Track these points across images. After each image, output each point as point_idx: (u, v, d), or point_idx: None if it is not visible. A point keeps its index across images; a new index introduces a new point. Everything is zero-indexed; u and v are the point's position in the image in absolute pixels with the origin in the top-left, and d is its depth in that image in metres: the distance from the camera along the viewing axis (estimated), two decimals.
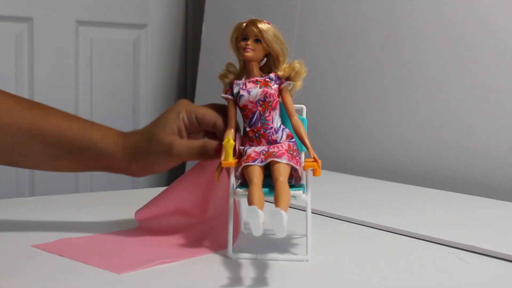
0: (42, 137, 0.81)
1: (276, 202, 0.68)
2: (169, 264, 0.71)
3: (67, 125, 0.83)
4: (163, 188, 0.86)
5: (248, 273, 0.69)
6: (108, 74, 2.01)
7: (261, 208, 0.66)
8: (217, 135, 0.81)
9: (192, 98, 2.08)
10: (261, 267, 0.70)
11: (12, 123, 0.81)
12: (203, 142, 0.79)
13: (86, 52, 1.96)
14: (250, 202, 0.67)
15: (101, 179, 1.96)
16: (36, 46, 1.86)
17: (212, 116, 0.80)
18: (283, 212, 0.63)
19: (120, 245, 0.78)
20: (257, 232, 0.63)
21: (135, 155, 0.81)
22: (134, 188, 2.08)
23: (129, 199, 1.10)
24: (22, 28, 1.85)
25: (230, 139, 0.73)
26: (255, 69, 0.77)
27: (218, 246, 0.76)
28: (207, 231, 0.82)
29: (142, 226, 0.86)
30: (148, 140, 0.80)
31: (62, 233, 0.83)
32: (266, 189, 0.72)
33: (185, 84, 2.17)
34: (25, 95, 1.84)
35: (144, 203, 0.84)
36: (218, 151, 0.77)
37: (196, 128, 0.81)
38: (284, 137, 0.76)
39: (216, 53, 1.90)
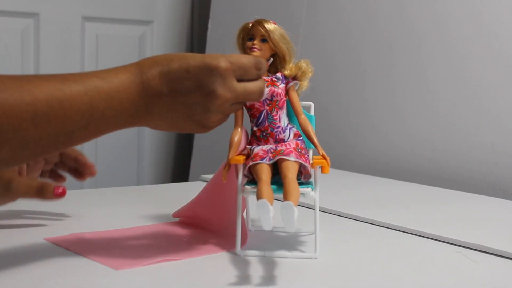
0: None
1: (286, 197, 0.67)
2: (177, 261, 0.71)
3: None
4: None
5: (256, 270, 0.69)
6: None
7: (271, 203, 0.66)
8: (80, 169, 0.85)
9: None
10: (270, 265, 0.70)
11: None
12: (42, 183, 0.81)
13: (92, 48, 1.96)
14: (259, 197, 0.67)
15: (105, 176, 1.96)
16: (42, 41, 1.86)
17: (74, 151, 0.83)
18: (294, 206, 0.62)
19: (130, 241, 0.79)
20: (267, 226, 0.63)
21: None
22: (139, 184, 2.08)
23: (146, 195, 1.10)
24: (28, 23, 1.85)
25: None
26: None
27: (225, 247, 0.76)
28: (216, 233, 0.82)
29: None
30: None
31: (76, 227, 0.84)
32: (274, 186, 0.71)
33: None
34: None
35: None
36: (56, 194, 0.80)
37: (39, 166, 0.84)
38: (292, 136, 0.76)
39: (221, 50, 1.89)
